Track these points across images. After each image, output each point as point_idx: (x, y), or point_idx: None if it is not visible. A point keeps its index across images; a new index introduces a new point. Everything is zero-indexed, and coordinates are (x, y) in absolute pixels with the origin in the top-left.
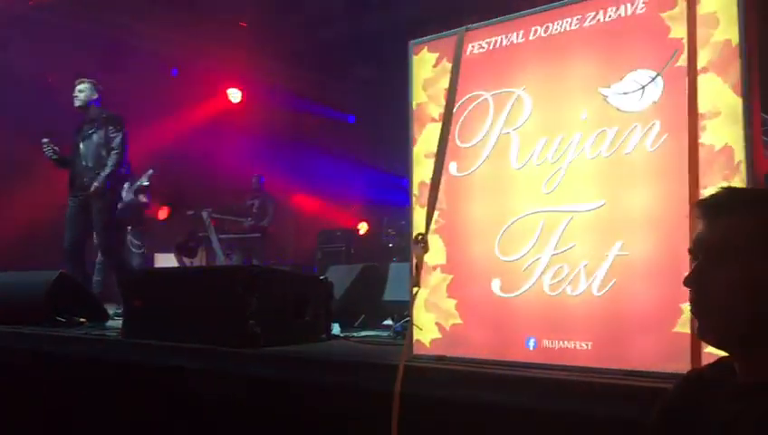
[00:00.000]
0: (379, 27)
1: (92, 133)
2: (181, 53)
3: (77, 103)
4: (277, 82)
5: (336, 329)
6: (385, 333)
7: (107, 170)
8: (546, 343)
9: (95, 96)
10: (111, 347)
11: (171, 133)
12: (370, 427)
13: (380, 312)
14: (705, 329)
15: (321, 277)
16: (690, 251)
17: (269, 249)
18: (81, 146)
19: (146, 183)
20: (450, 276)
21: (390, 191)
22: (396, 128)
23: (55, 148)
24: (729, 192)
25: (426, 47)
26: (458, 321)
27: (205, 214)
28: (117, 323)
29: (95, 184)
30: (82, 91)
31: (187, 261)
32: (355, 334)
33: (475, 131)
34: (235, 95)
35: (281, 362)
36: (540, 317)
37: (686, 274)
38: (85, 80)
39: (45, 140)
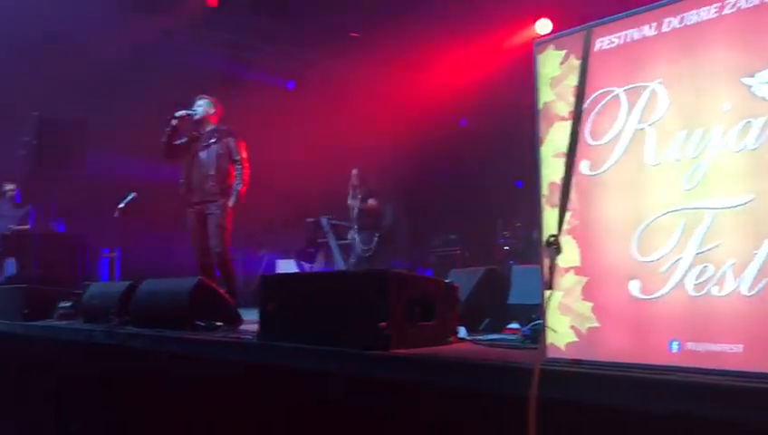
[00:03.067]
0: None
1: (213, 143)
2: (297, 67)
3: (195, 117)
4: (390, 90)
5: (463, 332)
6: (511, 337)
7: (240, 185)
8: (691, 345)
9: (212, 111)
10: (247, 350)
11: (291, 144)
12: (504, 431)
13: (505, 315)
14: None
15: (447, 280)
16: None
17: (385, 254)
18: (202, 154)
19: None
20: (585, 278)
21: (504, 193)
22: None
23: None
24: None
25: (551, 45)
26: (595, 324)
27: (324, 220)
28: (251, 326)
29: (232, 199)
30: (201, 106)
31: (306, 266)
32: (482, 338)
33: (606, 128)
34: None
35: (412, 365)
36: (683, 319)
37: None
38: (204, 96)
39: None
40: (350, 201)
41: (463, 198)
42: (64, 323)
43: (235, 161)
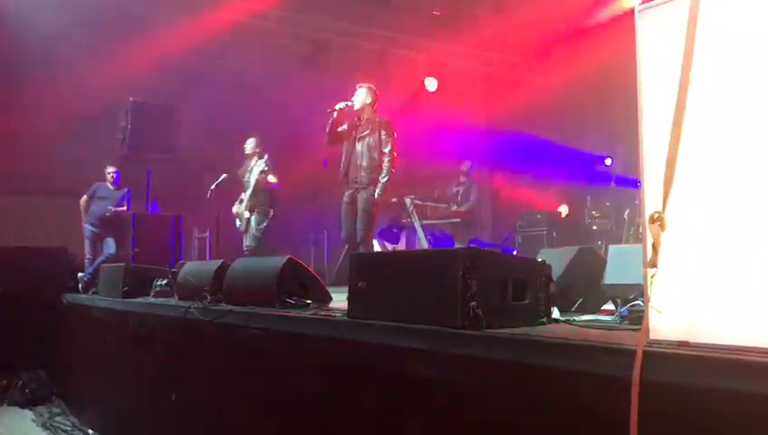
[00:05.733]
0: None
1: (367, 135)
2: (380, 47)
3: (355, 107)
4: (472, 68)
5: (556, 313)
6: (606, 318)
7: (386, 177)
8: None
9: (369, 100)
10: (337, 327)
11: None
12: (605, 414)
13: (599, 296)
14: None
15: (539, 260)
16: None
17: (469, 234)
18: (358, 145)
19: None
20: (692, 257)
21: (591, 171)
22: (599, 105)
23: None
24: None
25: (654, 9)
26: (703, 304)
27: (408, 200)
28: (341, 305)
29: (377, 191)
30: (359, 96)
31: (389, 246)
32: (577, 319)
33: (716, 98)
34: (431, 84)
35: (504, 344)
36: None
37: None
38: (363, 84)
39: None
40: (243, 173)
41: (548, 176)
42: (161, 300)
43: (384, 153)
